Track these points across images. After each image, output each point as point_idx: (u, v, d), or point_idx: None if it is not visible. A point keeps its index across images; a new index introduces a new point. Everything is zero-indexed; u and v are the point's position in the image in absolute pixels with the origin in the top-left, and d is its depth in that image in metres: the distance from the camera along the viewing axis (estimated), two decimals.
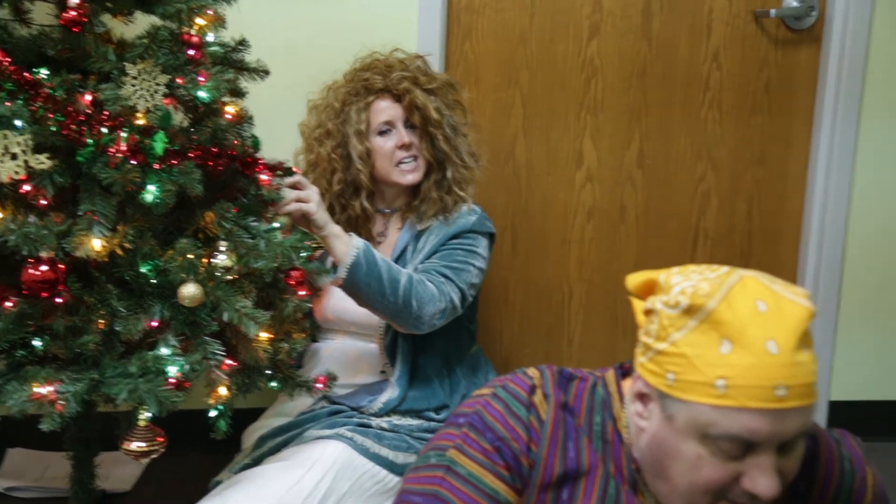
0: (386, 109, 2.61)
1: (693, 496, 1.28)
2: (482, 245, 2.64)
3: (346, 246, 2.40)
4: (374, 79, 2.61)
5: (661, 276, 1.33)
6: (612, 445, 1.40)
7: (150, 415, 2.03)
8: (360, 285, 2.40)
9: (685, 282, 1.29)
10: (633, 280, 1.39)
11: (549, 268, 3.31)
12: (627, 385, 1.46)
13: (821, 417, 3.39)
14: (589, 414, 1.42)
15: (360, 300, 2.44)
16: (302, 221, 2.39)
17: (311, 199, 2.37)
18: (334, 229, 2.42)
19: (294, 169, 2.32)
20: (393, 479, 2.43)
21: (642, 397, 1.34)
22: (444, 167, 2.64)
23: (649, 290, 1.36)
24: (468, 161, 2.67)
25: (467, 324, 2.71)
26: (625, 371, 1.47)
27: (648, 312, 1.34)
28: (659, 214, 3.32)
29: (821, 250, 3.35)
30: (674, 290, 1.28)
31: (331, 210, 2.62)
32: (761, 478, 1.24)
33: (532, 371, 1.46)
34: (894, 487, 3.03)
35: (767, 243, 3.39)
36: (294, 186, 2.34)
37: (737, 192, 3.35)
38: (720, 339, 1.23)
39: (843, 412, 3.43)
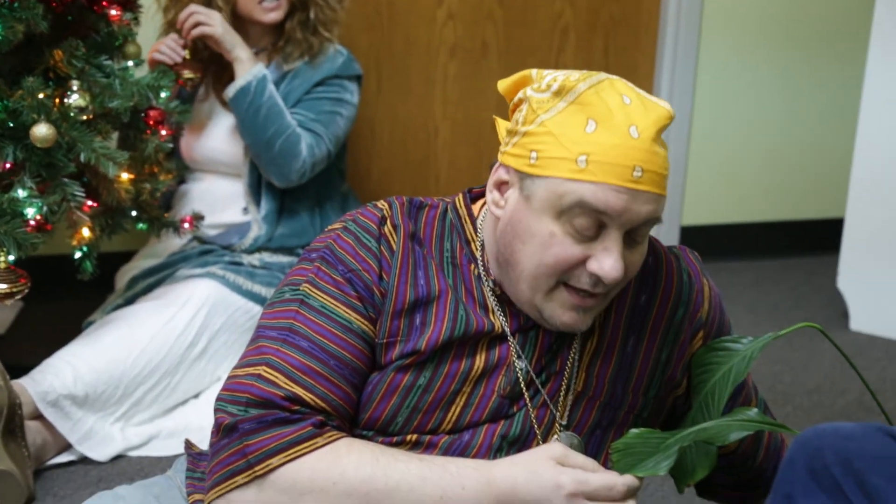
0: None
1: (538, 279, 1.28)
2: (350, 90, 2.57)
3: (246, 70, 2.44)
4: None
5: (533, 71, 1.33)
6: (462, 269, 1.39)
7: (12, 258, 1.95)
8: (241, 111, 2.45)
9: (557, 73, 1.29)
10: (505, 82, 1.37)
11: (414, 106, 3.25)
12: (477, 207, 1.44)
13: (673, 241, 3.46)
14: (439, 241, 1.41)
15: (239, 126, 2.48)
16: (212, 44, 2.47)
17: (213, 23, 2.43)
18: (241, 54, 2.45)
19: None
20: None
21: (501, 186, 1.32)
22: (308, 8, 2.53)
23: (519, 86, 1.35)
24: (332, 2, 2.57)
25: (337, 163, 2.66)
26: (473, 196, 1.45)
27: (517, 105, 1.33)
28: (519, 51, 3.27)
29: (673, 81, 3.37)
30: (546, 79, 1.29)
31: (194, 47, 2.51)
32: (607, 259, 1.25)
33: (381, 203, 1.42)
34: (739, 300, 3.19)
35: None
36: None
37: (593, 28, 3.31)
38: (586, 119, 1.24)
39: (693, 236, 3.51)
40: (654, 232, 1.35)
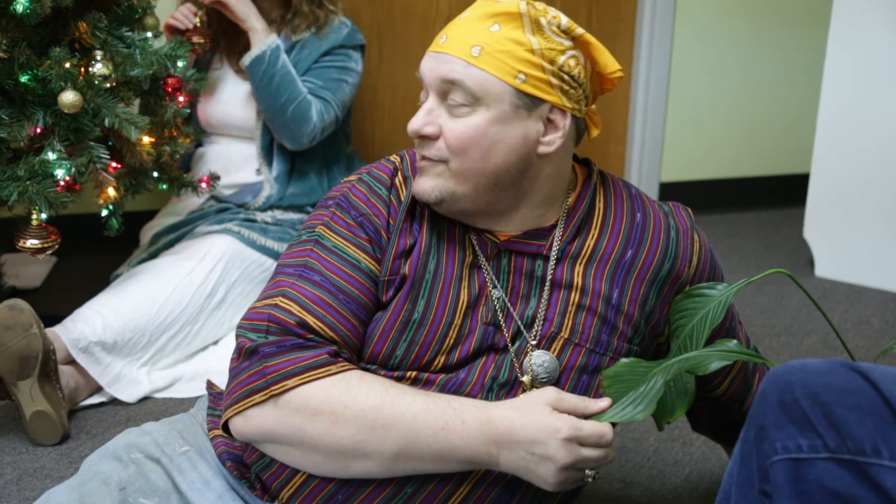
0: None
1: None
2: (354, 59, 2.55)
3: (260, 41, 2.41)
4: None
5: None
6: None
7: (44, 216, 1.94)
8: (256, 79, 2.42)
9: None
10: None
11: (413, 73, 3.18)
12: None
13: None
14: None
15: (254, 92, 2.45)
16: (227, 13, 2.43)
17: None
18: (256, 24, 2.42)
19: None
20: None
21: None
22: None
23: None
24: None
25: (343, 127, 2.65)
26: None
27: None
28: None
29: (652, 47, 3.34)
30: None
31: (209, 19, 2.50)
32: (416, 115, 1.33)
33: (394, 157, 1.44)
34: (714, 249, 3.16)
35: (606, 44, 3.16)
36: None
37: None
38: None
39: (672, 191, 3.49)
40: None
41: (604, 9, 3.31)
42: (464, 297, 1.35)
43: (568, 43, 1.32)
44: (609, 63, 1.35)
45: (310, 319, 1.29)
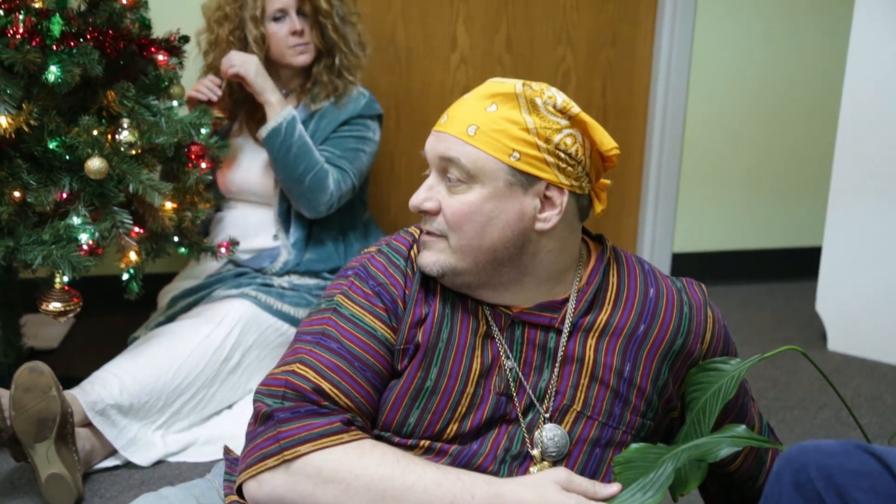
0: None
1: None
2: (372, 128, 2.59)
3: (276, 113, 2.45)
4: None
5: None
6: None
7: (66, 278, 1.97)
8: (273, 150, 2.45)
9: None
10: None
11: None
12: None
13: (665, 268, 3.46)
14: None
15: (272, 163, 2.48)
16: (246, 86, 2.48)
17: (248, 67, 2.45)
18: (271, 98, 2.47)
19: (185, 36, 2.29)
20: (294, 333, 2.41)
21: None
22: (334, 54, 2.56)
23: None
24: (355, 49, 2.60)
25: (360, 194, 2.68)
26: None
27: None
28: None
29: (665, 120, 3.38)
30: None
31: (230, 88, 2.54)
32: (418, 191, 1.37)
33: (413, 229, 1.47)
34: (726, 321, 3.17)
35: (620, 117, 3.40)
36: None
37: (592, 72, 3.33)
38: None
39: (684, 262, 3.51)
40: (648, 258, 1.35)
41: (618, 82, 3.37)
42: (476, 365, 1.37)
43: (564, 122, 1.33)
44: (605, 141, 1.36)
45: (325, 386, 1.30)
